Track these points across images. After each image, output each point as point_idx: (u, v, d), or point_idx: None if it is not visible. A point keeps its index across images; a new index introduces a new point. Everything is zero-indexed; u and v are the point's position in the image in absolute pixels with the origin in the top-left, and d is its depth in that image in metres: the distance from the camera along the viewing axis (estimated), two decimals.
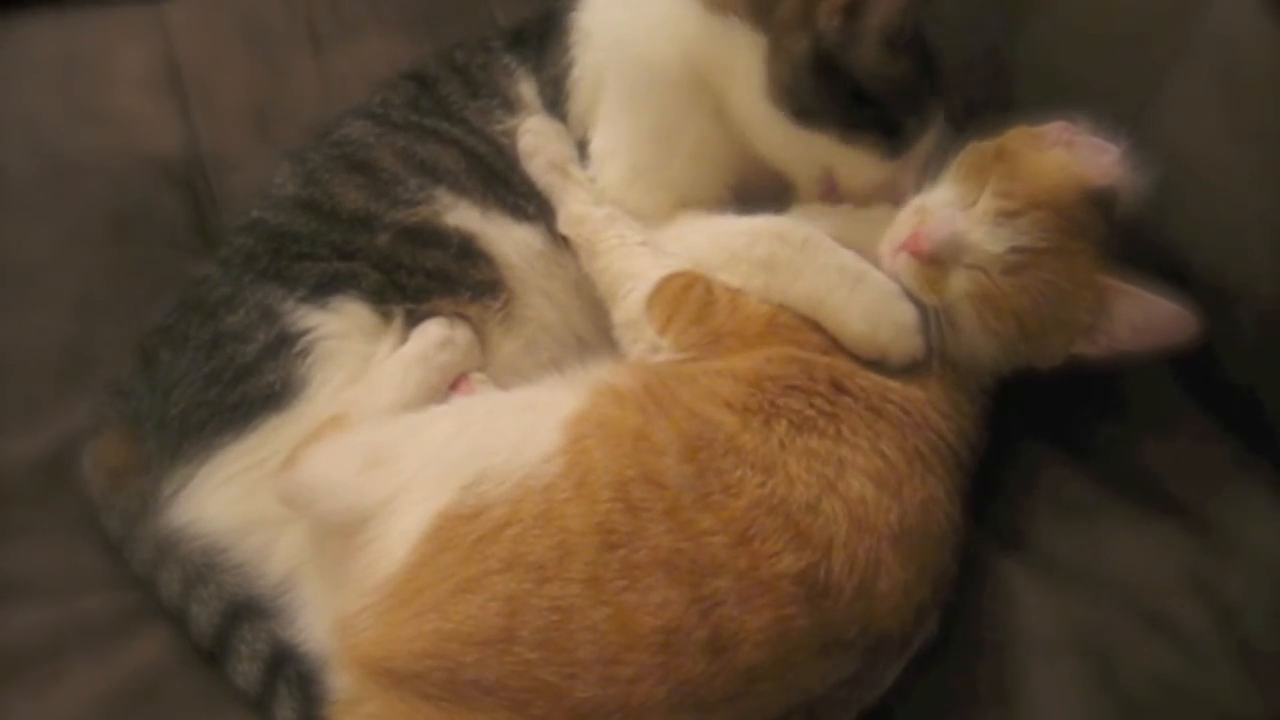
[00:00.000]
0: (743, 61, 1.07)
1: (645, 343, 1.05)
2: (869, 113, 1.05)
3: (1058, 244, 0.94)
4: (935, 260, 0.96)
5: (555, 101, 1.17)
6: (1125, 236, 0.97)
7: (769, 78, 1.06)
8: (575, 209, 1.12)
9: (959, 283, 0.96)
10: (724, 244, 1.06)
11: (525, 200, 1.14)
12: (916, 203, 1.01)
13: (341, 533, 0.91)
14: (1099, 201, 0.96)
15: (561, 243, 1.14)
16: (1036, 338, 0.97)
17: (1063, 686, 0.94)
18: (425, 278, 1.10)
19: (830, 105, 1.05)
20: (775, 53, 1.05)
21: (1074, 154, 0.98)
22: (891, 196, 1.08)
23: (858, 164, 1.07)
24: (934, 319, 0.98)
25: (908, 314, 0.99)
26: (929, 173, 1.04)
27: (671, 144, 1.12)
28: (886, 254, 1.01)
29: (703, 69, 1.09)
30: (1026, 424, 1.08)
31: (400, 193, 1.12)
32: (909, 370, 0.98)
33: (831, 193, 1.11)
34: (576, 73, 1.15)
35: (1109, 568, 1.01)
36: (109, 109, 1.46)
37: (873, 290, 1.00)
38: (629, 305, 1.07)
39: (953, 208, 0.98)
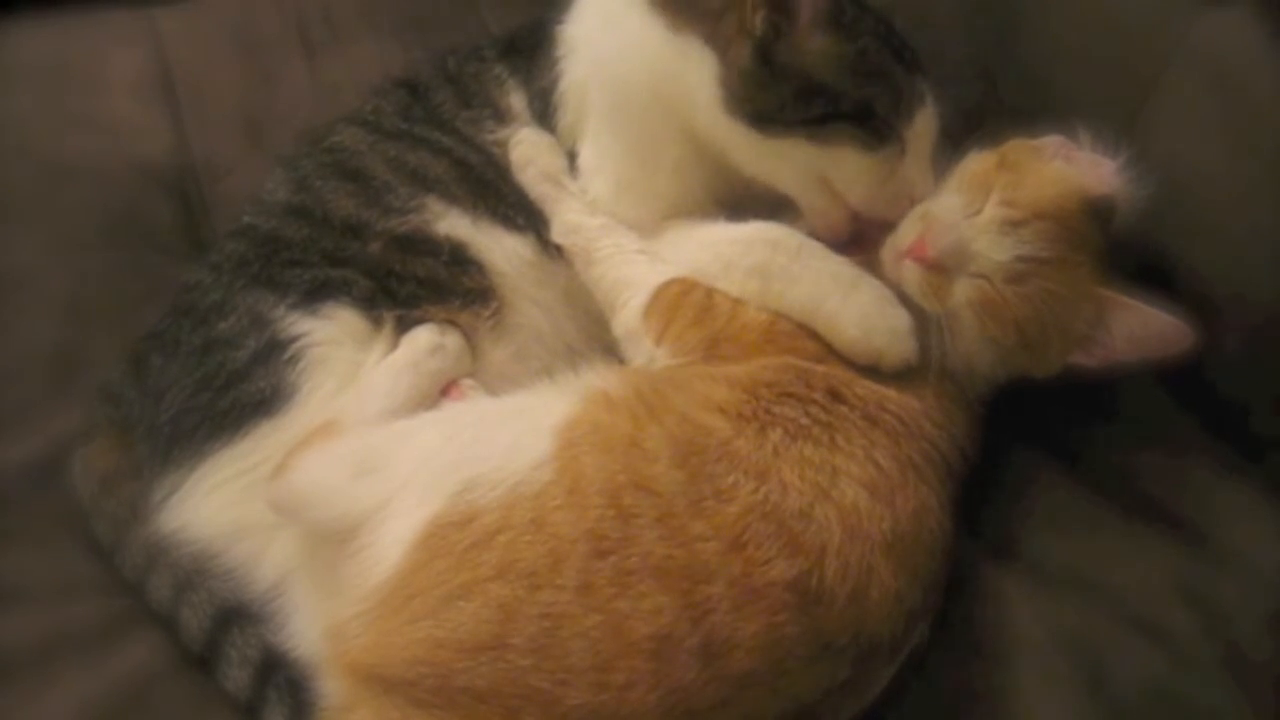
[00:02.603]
0: (702, 79, 1.05)
1: (644, 355, 1.05)
2: (824, 104, 1.02)
3: (1059, 254, 0.95)
4: (939, 267, 0.97)
5: (544, 113, 1.17)
6: (1120, 247, 0.98)
7: (722, 90, 1.04)
8: (569, 218, 1.12)
9: (962, 291, 0.97)
10: (718, 252, 1.06)
11: (516, 210, 1.14)
12: (920, 209, 1.01)
13: (333, 539, 0.91)
14: (1097, 213, 0.97)
15: (553, 252, 1.14)
16: (1035, 347, 0.97)
17: (1053, 693, 0.94)
18: (416, 285, 1.10)
19: (783, 105, 1.02)
20: (724, 65, 1.04)
21: (1073, 167, 0.99)
22: (905, 198, 1.05)
23: (842, 163, 1.04)
24: (934, 327, 0.98)
25: (901, 319, 0.99)
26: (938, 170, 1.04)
27: (653, 161, 1.11)
28: (889, 260, 1.01)
29: (667, 90, 1.08)
30: (1018, 432, 1.08)
31: (392, 201, 1.12)
32: (904, 377, 0.98)
33: (849, 221, 1.08)
34: (564, 86, 1.15)
35: (1099, 575, 1.01)
36: (101, 114, 1.46)
37: (866, 296, 1.00)
38: (628, 315, 1.07)
39: (957, 215, 0.98)
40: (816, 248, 1.04)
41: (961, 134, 1.07)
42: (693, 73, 1.05)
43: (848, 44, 1.01)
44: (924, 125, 1.05)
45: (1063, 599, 0.99)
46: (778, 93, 1.02)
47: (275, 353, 1.04)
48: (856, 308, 0.99)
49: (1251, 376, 1.04)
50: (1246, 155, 1.01)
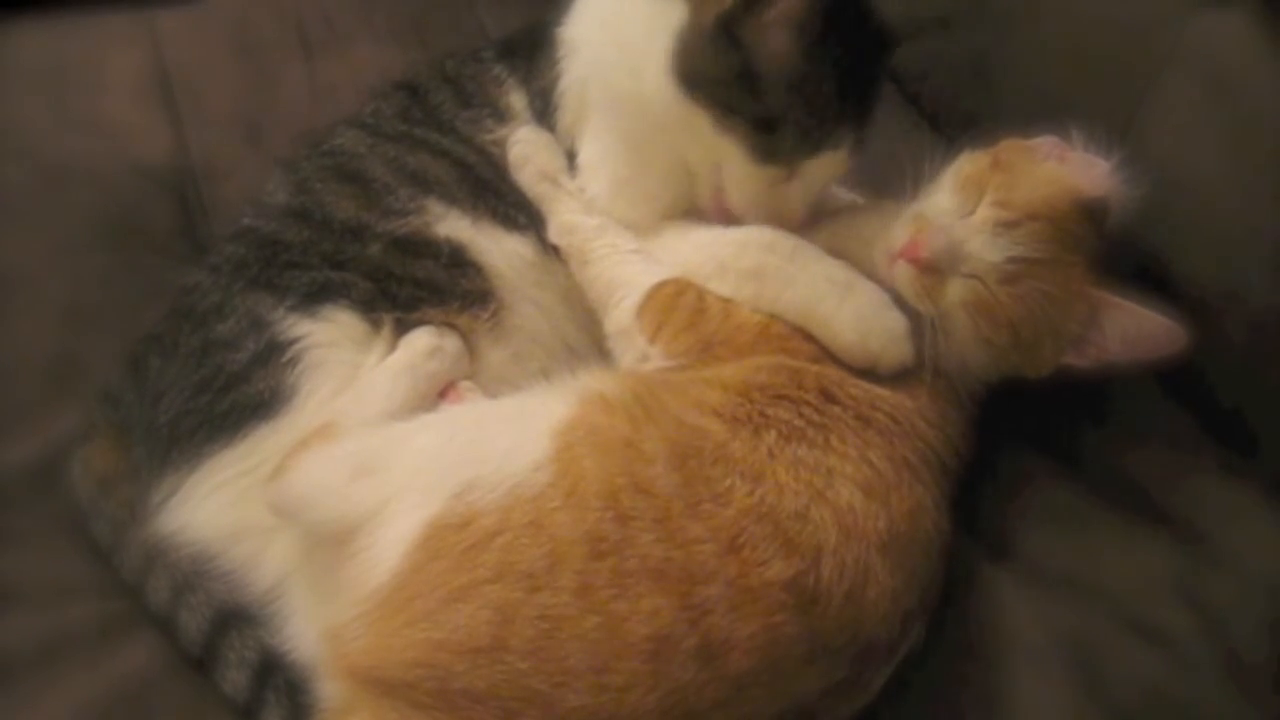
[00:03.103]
0: (666, 31, 1.05)
1: (636, 351, 1.05)
2: (742, 97, 1.02)
3: (1053, 255, 0.95)
4: (933, 268, 0.97)
5: (544, 113, 1.17)
6: (1114, 248, 0.98)
7: (675, 43, 1.05)
8: (566, 218, 1.12)
9: (955, 291, 0.97)
10: (712, 254, 1.07)
11: (515, 210, 1.14)
12: (914, 210, 1.01)
13: (331, 541, 0.91)
14: (1091, 214, 0.97)
15: (552, 253, 1.14)
16: (1029, 348, 0.97)
17: (1050, 694, 0.94)
18: (415, 287, 1.10)
19: (714, 79, 1.03)
20: (690, 23, 1.04)
21: (1067, 167, 0.99)
22: (775, 218, 1.06)
23: (731, 159, 1.05)
24: (928, 327, 0.98)
25: (897, 322, 0.99)
26: (917, 181, 1.04)
27: (648, 162, 1.12)
28: (883, 261, 1.01)
29: (646, 66, 1.07)
30: (1015, 432, 1.08)
31: (391, 203, 1.12)
32: (898, 378, 0.98)
33: (721, 207, 1.10)
34: (563, 86, 1.15)
35: (1097, 575, 1.01)
36: (99, 117, 1.46)
37: (862, 299, 1.00)
38: (620, 314, 1.07)
39: (950, 216, 0.98)
40: (812, 250, 1.04)
41: (956, 134, 1.07)
42: (660, 30, 1.06)
43: (801, 59, 1.01)
44: (825, 165, 1.06)
45: (1060, 600, 0.99)
46: (718, 66, 1.02)
47: (274, 355, 1.04)
48: (852, 311, 1.00)
49: (1248, 377, 1.04)
50: (1241, 155, 1.01)
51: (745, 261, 1.04)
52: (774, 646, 0.82)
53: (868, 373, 0.98)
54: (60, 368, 1.19)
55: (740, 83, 1.02)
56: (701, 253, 1.08)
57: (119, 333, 1.17)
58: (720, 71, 1.02)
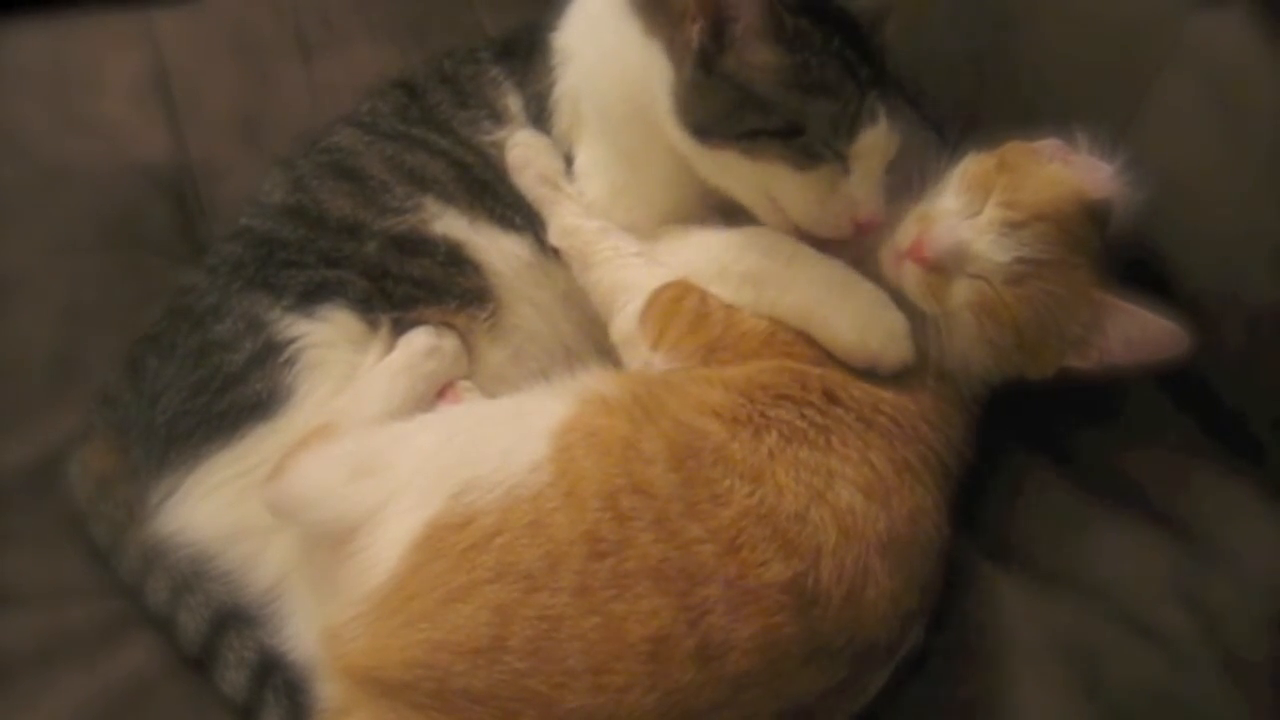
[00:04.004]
0: (662, 86, 1.04)
1: (640, 358, 1.05)
2: (756, 119, 0.99)
3: (1058, 256, 0.95)
4: (939, 268, 0.97)
5: (539, 116, 1.17)
6: (1116, 251, 0.98)
7: (672, 99, 1.03)
8: (567, 221, 1.12)
9: (961, 291, 0.97)
10: (711, 257, 1.07)
11: (513, 211, 1.14)
12: (920, 211, 1.01)
13: (330, 542, 0.91)
14: (1095, 217, 0.97)
15: (550, 254, 1.14)
16: (1032, 349, 0.97)
17: (1049, 694, 0.94)
18: (412, 286, 1.10)
19: (721, 118, 1.00)
20: (676, 73, 1.02)
21: (1072, 170, 0.99)
22: (847, 218, 1.02)
23: (778, 180, 1.02)
24: (932, 328, 0.98)
25: (898, 322, 0.99)
26: (921, 183, 1.04)
27: (643, 168, 1.11)
28: (888, 261, 1.01)
29: (643, 98, 1.06)
30: (1015, 433, 1.08)
31: (388, 201, 1.12)
32: (900, 379, 0.98)
33: (798, 231, 1.05)
34: (558, 93, 1.15)
35: (1095, 576, 1.01)
36: (98, 117, 1.46)
37: (862, 299, 1.00)
38: (624, 319, 1.07)
39: (957, 217, 0.98)
40: (810, 253, 1.04)
41: (959, 136, 1.07)
42: (655, 79, 1.04)
43: (787, 57, 0.97)
44: (871, 143, 1.00)
45: (1059, 600, 0.99)
46: (717, 104, 1.00)
47: (271, 355, 1.04)
48: (852, 311, 1.00)
49: (1249, 379, 1.04)
50: (1242, 156, 1.01)
51: (744, 265, 1.04)
52: (773, 647, 0.82)
53: (870, 374, 0.98)
54: (58, 368, 1.19)
55: (747, 107, 0.99)
56: (701, 256, 1.08)
57: (117, 333, 1.17)
58: (724, 108, 1.00)
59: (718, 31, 0.98)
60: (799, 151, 0.99)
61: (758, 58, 0.98)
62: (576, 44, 1.15)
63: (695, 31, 0.98)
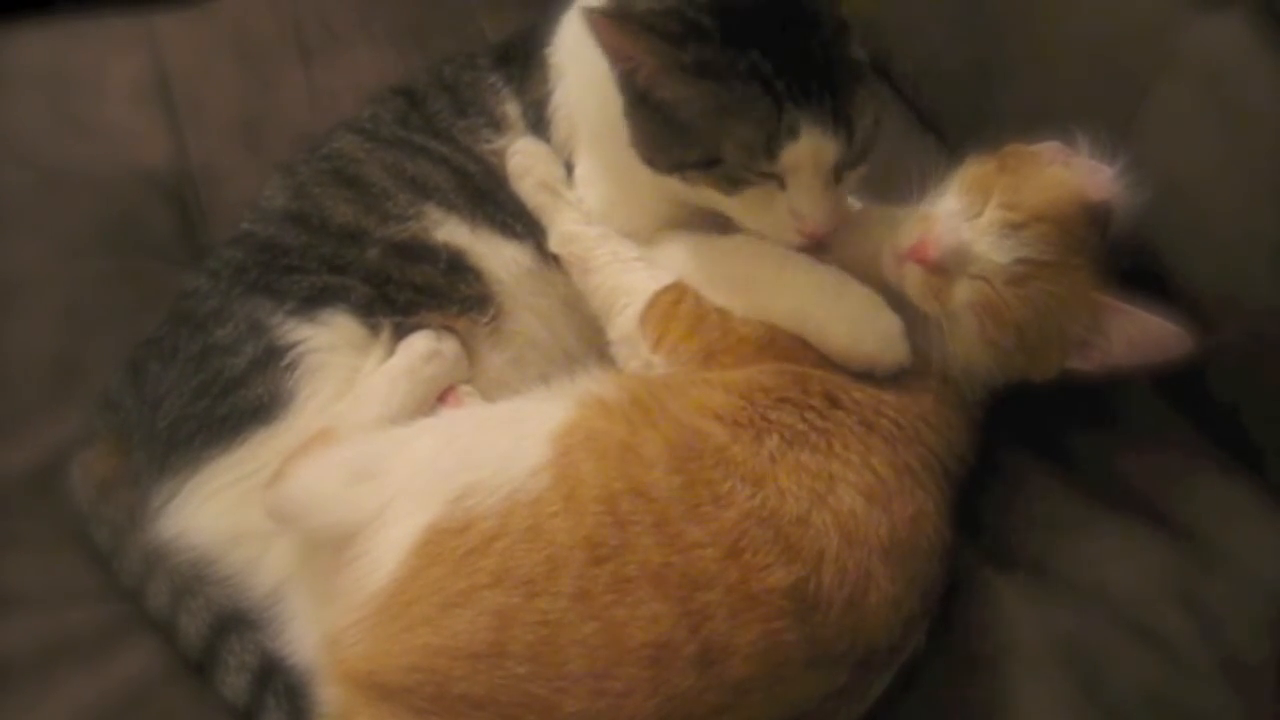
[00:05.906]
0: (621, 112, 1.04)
1: (640, 359, 1.05)
2: (679, 150, 1.00)
3: (1059, 258, 0.95)
4: (941, 269, 0.97)
5: (537, 125, 1.17)
6: (1116, 253, 0.98)
7: (627, 125, 1.04)
8: (567, 228, 1.12)
9: (963, 293, 0.97)
10: (702, 263, 1.07)
11: (513, 219, 1.15)
12: (921, 212, 1.01)
13: (330, 546, 0.91)
14: (1095, 219, 0.97)
15: (551, 260, 1.14)
16: (1034, 351, 0.97)
17: (1050, 698, 0.94)
18: (414, 292, 1.10)
19: (656, 148, 1.02)
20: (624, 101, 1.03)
21: (1072, 172, 0.99)
22: (792, 230, 1.01)
23: (715, 202, 1.03)
24: (934, 330, 0.98)
25: (892, 323, 0.99)
26: (923, 185, 1.04)
27: (633, 184, 1.10)
28: (890, 263, 1.01)
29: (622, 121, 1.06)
30: (1016, 435, 1.08)
31: (390, 208, 1.12)
32: (901, 382, 0.98)
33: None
34: (554, 103, 1.16)
35: (1096, 579, 1.01)
36: (99, 121, 1.46)
37: (854, 302, 1.00)
38: (623, 321, 1.07)
39: (958, 218, 0.98)
40: (801, 258, 1.04)
41: (956, 138, 1.07)
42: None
43: (693, 87, 0.97)
44: (797, 158, 0.97)
45: (1059, 603, 0.99)
46: (652, 135, 1.02)
47: (273, 359, 1.05)
48: (845, 315, 1.00)
49: (1248, 381, 1.04)
50: (1241, 159, 1.01)
51: (736, 270, 1.05)
52: (774, 653, 0.82)
53: (871, 377, 0.98)
54: (60, 372, 1.19)
55: (674, 138, 1.00)
56: (693, 261, 1.08)
57: (118, 337, 1.17)
58: (657, 140, 1.02)
59: (631, 73, 0.99)
60: (722, 179, 1.00)
61: (668, 93, 0.98)
62: (566, 62, 1.16)
63: (618, 69, 1.00)
